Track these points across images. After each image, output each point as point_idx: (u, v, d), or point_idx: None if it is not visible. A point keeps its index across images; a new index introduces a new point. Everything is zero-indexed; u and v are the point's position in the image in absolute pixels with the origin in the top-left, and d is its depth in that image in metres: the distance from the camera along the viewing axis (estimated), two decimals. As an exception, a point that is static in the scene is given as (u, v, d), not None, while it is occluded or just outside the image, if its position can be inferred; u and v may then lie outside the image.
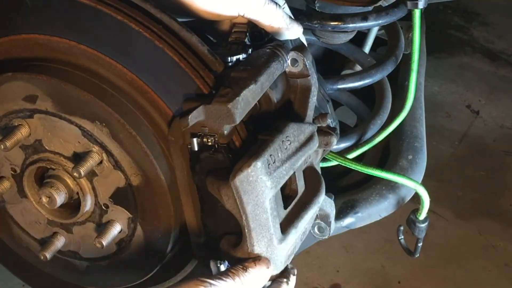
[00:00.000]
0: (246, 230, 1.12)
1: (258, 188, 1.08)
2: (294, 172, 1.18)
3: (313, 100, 1.23)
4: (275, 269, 1.18)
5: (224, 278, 1.08)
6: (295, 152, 1.16)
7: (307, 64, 1.20)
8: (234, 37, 1.22)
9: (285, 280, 1.19)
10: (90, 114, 1.21)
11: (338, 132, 1.30)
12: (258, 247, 1.13)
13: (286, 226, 1.18)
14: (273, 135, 1.13)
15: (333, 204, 1.35)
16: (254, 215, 1.10)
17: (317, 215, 1.32)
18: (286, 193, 1.21)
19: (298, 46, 1.24)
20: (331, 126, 1.31)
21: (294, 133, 1.16)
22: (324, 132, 1.27)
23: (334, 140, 1.27)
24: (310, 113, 1.24)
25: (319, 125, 1.26)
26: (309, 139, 1.20)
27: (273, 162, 1.11)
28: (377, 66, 1.69)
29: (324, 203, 1.30)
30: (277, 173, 1.11)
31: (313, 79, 1.22)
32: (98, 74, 1.21)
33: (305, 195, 1.23)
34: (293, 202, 1.20)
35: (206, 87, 1.15)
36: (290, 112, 1.23)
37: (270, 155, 1.10)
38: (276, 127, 1.15)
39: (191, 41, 1.15)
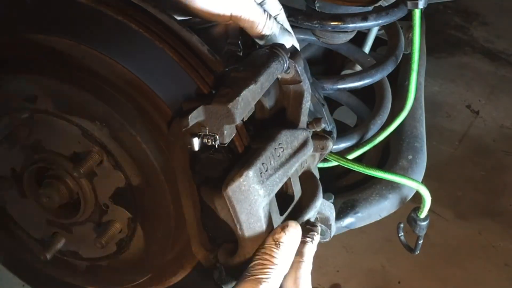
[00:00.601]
0: (241, 239, 1.12)
1: (251, 197, 1.08)
2: (290, 178, 1.18)
3: (306, 105, 1.23)
4: None
5: (270, 270, 1.08)
6: (289, 159, 1.16)
7: (298, 70, 1.19)
8: (227, 49, 1.22)
9: (309, 239, 1.19)
10: (90, 114, 1.21)
11: (335, 135, 1.29)
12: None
13: None
14: (265, 143, 1.13)
15: (333, 207, 1.35)
16: (248, 223, 1.10)
17: (317, 218, 1.32)
18: (282, 199, 1.21)
19: (290, 52, 1.25)
20: (327, 130, 1.31)
21: (287, 140, 1.16)
22: (319, 136, 1.27)
23: (330, 144, 1.27)
24: (304, 119, 1.23)
25: (313, 130, 1.26)
26: (303, 145, 1.20)
27: (266, 171, 1.10)
28: (377, 66, 1.69)
29: (323, 206, 1.30)
30: (270, 181, 1.11)
31: (306, 84, 1.22)
32: (98, 74, 1.21)
33: (301, 200, 1.22)
34: (289, 208, 1.20)
35: (206, 87, 1.15)
36: (284, 119, 1.23)
37: (263, 164, 1.10)
38: (268, 135, 1.15)
39: (191, 41, 1.15)
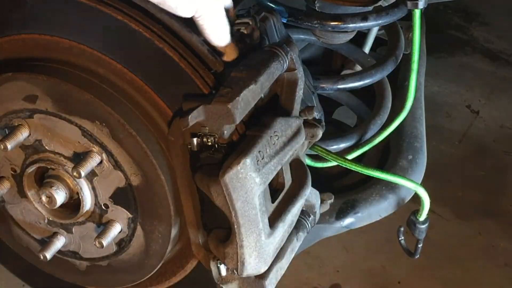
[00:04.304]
0: (236, 226, 1.12)
1: (248, 185, 1.09)
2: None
3: (299, 93, 1.24)
4: (264, 264, 1.19)
5: None
6: (283, 147, 1.16)
7: (293, 58, 1.20)
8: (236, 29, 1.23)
9: None
10: (90, 114, 1.21)
11: (324, 123, 1.30)
12: (247, 242, 1.14)
13: (274, 220, 1.18)
14: (261, 131, 1.13)
15: (318, 195, 1.35)
16: (244, 211, 1.11)
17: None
18: (273, 186, 1.21)
19: (284, 40, 1.25)
20: (317, 118, 1.32)
21: (282, 128, 1.17)
22: (310, 124, 1.28)
23: (320, 132, 1.28)
24: (297, 107, 1.24)
25: (305, 118, 1.27)
26: (296, 133, 1.21)
27: (262, 158, 1.11)
28: (377, 66, 1.69)
29: (310, 194, 1.31)
30: (265, 169, 1.12)
31: (300, 72, 1.22)
32: (98, 74, 1.21)
33: (292, 188, 1.23)
34: (280, 196, 1.21)
35: (206, 87, 1.15)
36: (277, 106, 1.23)
37: (259, 152, 1.11)
38: (264, 122, 1.16)
39: (191, 41, 1.15)
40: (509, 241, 2.30)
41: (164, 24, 1.15)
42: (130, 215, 1.29)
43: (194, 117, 1.10)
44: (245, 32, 1.23)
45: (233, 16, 1.23)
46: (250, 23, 1.24)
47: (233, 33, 1.21)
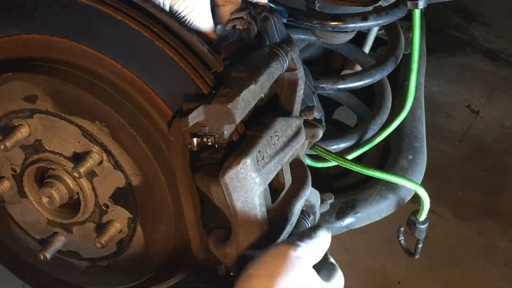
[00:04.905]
0: (235, 226, 1.12)
1: (248, 185, 1.09)
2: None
3: (300, 93, 1.24)
4: None
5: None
6: (283, 147, 1.17)
7: (294, 58, 1.20)
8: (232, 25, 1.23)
9: None
10: (90, 114, 1.21)
11: (324, 123, 1.30)
12: (247, 242, 1.14)
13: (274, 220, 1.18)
14: (261, 131, 1.13)
15: (318, 195, 1.35)
16: (244, 211, 1.11)
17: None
18: (273, 186, 1.21)
19: (285, 40, 1.25)
20: (317, 118, 1.32)
21: (282, 128, 1.17)
22: (310, 124, 1.28)
23: (320, 132, 1.28)
24: (297, 107, 1.24)
25: (305, 118, 1.27)
26: (296, 133, 1.20)
27: (262, 158, 1.11)
28: (377, 66, 1.69)
29: (310, 194, 1.31)
30: (265, 169, 1.12)
31: (300, 72, 1.22)
32: (98, 74, 1.21)
33: (292, 188, 1.23)
34: (280, 196, 1.21)
35: (206, 87, 1.15)
36: (277, 106, 1.23)
37: (259, 152, 1.11)
38: (264, 122, 1.16)
39: (191, 41, 1.15)
40: (509, 241, 2.30)
41: (164, 24, 1.15)
42: (130, 215, 1.29)
43: (194, 117, 1.10)
44: (241, 27, 1.23)
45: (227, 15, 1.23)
46: (245, 17, 1.24)
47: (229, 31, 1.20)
